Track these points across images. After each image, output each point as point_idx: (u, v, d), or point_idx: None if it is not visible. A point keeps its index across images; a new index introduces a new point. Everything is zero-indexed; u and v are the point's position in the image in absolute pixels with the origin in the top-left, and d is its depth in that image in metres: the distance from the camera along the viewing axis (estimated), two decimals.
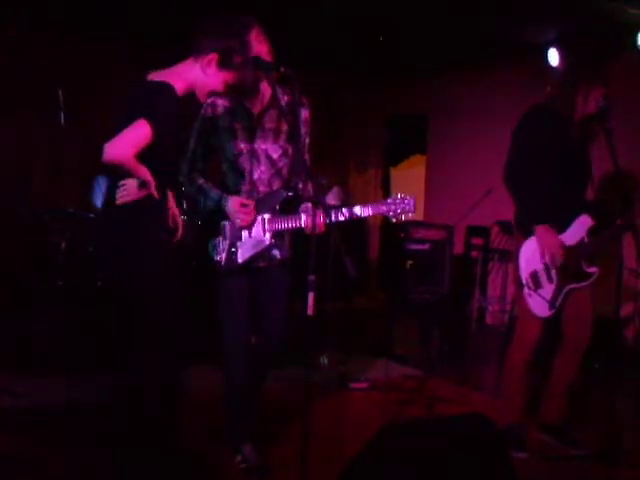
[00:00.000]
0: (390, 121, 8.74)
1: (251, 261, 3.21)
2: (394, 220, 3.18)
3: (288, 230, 3.20)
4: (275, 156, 3.25)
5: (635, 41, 5.51)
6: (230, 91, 2.94)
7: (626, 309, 5.28)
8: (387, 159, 8.88)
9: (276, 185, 3.26)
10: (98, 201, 5.49)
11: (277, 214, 3.19)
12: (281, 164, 3.27)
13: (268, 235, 3.18)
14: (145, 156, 2.73)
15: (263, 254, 3.21)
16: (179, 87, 2.80)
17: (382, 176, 8.82)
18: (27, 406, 4.00)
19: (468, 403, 4.47)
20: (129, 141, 2.69)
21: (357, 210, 3.15)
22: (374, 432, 2.56)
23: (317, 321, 2.73)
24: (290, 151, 3.28)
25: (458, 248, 6.90)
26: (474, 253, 6.97)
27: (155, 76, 2.83)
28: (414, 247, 6.23)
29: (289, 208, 3.22)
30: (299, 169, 3.29)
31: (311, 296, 2.65)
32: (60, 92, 5.01)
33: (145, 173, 2.75)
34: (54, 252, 5.09)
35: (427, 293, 6.20)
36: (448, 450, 2.60)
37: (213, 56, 2.81)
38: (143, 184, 2.76)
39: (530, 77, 6.26)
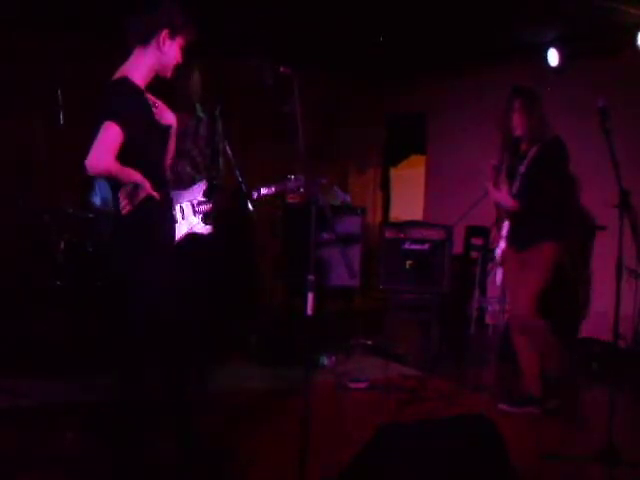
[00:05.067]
0: (390, 121, 8.74)
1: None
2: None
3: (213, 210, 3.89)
4: None
5: (635, 41, 5.51)
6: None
7: (625, 309, 5.28)
8: (386, 159, 8.87)
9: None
10: (97, 200, 5.49)
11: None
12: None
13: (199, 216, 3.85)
14: (130, 157, 2.75)
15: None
16: (138, 78, 2.86)
17: (381, 176, 8.81)
18: (27, 406, 4.00)
19: (467, 403, 4.47)
20: (103, 148, 2.70)
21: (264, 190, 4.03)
22: (373, 432, 2.56)
23: (317, 321, 2.74)
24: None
25: (458, 248, 6.90)
26: (474, 253, 6.98)
27: (115, 75, 2.87)
28: (413, 247, 6.23)
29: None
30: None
31: (310, 296, 2.66)
32: (59, 92, 5.01)
33: (134, 175, 2.75)
34: (53, 252, 5.09)
35: (427, 293, 6.20)
36: (447, 450, 2.60)
37: (165, 32, 2.85)
38: (136, 187, 2.76)
39: (529, 77, 6.26)
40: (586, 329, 5.90)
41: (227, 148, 4.39)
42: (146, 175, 2.78)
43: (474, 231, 6.95)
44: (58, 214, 5.13)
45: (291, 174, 3.99)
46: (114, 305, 3.02)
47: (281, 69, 3.07)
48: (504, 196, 4.33)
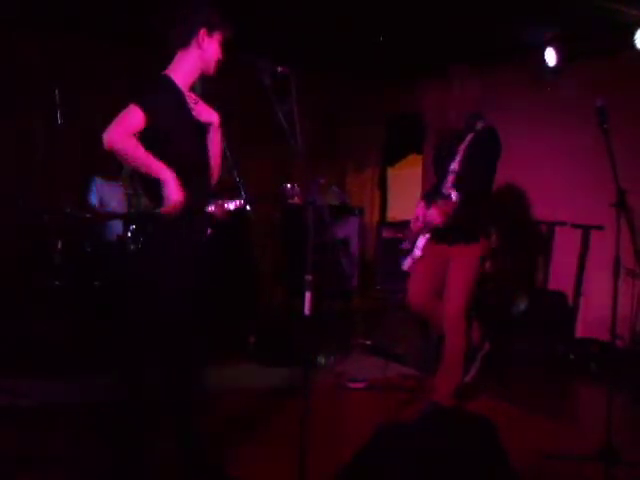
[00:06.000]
0: (388, 121, 8.72)
1: None
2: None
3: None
4: None
5: (633, 41, 5.51)
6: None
7: (622, 309, 5.28)
8: (384, 159, 8.86)
9: None
10: (94, 200, 5.54)
11: None
12: None
13: None
14: (158, 149, 2.78)
15: None
16: (179, 77, 2.94)
17: (379, 176, 8.80)
18: (27, 406, 4.01)
19: (467, 403, 4.47)
20: (120, 124, 2.77)
21: None
22: (373, 432, 2.57)
23: (315, 321, 2.74)
24: None
25: None
26: None
27: None
28: None
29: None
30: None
31: (308, 296, 2.66)
32: (57, 91, 5.01)
33: (161, 170, 2.77)
34: (52, 252, 5.09)
35: None
36: (447, 450, 2.60)
37: (202, 31, 2.94)
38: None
39: (528, 77, 6.26)
40: (584, 329, 5.90)
41: (226, 149, 4.40)
42: (178, 172, 2.80)
43: None
44: (56, 214, 5.14)
45: (287, 181, 4.02)
46: (115, 305, 3.03)
47: (279, 69, 3.08)
48: (433, 213, 4.10)
